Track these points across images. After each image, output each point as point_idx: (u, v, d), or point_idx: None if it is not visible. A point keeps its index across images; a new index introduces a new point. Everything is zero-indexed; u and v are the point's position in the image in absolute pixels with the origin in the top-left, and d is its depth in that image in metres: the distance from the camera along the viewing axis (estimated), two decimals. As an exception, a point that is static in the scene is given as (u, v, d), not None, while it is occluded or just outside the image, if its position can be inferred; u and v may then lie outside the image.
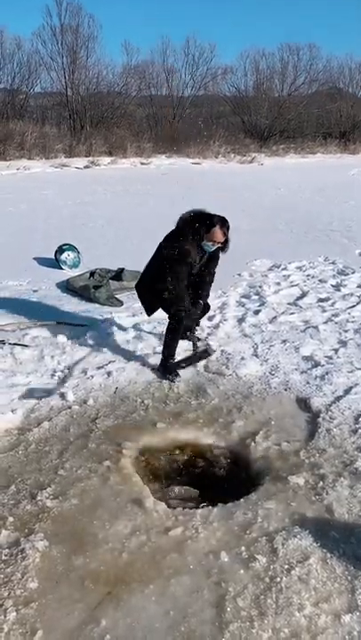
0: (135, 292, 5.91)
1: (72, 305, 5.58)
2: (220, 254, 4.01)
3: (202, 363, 4.16)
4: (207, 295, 4.20)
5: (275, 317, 5.23)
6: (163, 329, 4.82)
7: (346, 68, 30.19)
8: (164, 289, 3.88)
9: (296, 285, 6.26)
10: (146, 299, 4.17)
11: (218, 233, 3.71)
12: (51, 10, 23.71)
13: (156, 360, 4.19)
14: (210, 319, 5.07)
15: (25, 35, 31.75)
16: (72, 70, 23.48)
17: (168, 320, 4.03)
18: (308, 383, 3.91)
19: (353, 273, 6.72)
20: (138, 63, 26.54)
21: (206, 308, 4.29)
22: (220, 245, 3.84)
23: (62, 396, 3.72)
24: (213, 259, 4.03)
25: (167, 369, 3.98)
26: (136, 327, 4.86)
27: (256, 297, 5.79)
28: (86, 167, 18.20)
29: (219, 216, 3.77)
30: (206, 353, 4.18)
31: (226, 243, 3.83)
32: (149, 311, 4.20)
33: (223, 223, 3.74)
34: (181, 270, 3.81)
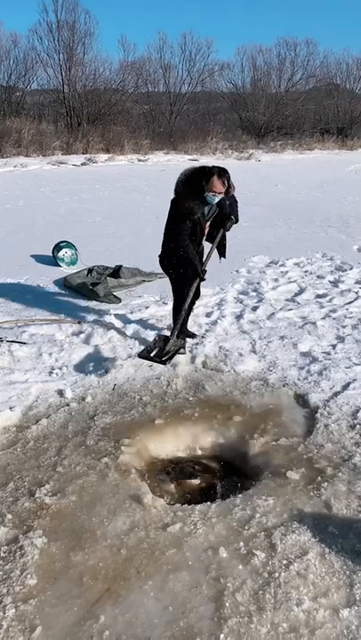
0: (133, 289, 5.98)
1: (70, 302, 5.57)
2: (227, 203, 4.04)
3: (200, 359, 4.16)
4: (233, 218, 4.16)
5: (273, 314, 5.23)
6: (161, 325, 4.84)
7: (343, 63, 30.25)
8: (173, 251, 3.96)
9: (294, 282, 6.25)
10: (167, 268, 4.20)
11: (217, 183, 3.72)
12: (47, 6, 23.79)
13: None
14: (208, 315, 5.08)
15: (21, 31, 31.75)
16: (69, 67, 23.43)
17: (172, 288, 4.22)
18: (306, 379, 3.92)
19: (351, 269, 6.72)
20: (135, 59, 26.55)
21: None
22: (222, 195, 3.83)
23: (60, 393, 3.72)
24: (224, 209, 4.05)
25: (177, 329, 4.06)
26: (134, 324, 4.85)
27: (254, 293, 5.78)
28: (83, 164, 18.16)
29: (217, 166, 3.80)
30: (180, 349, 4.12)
31: (228, 191, 3.83)
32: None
33: (221, 172, 3.74)
34: (183, 229, 3.84)
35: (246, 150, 22.90)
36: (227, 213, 4.04)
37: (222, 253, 4.27)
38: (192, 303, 4.31)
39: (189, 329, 4.57)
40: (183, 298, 4.08)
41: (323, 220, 9.81)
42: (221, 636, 1.99)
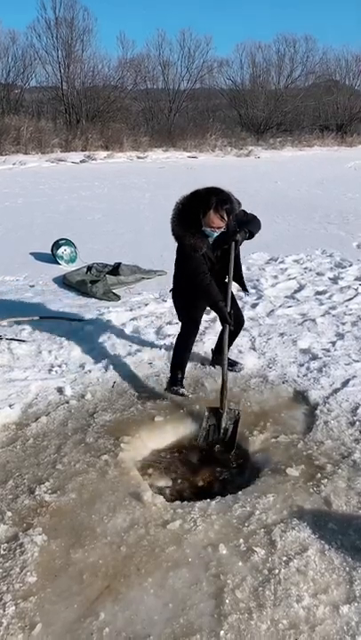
0: (132, 286, 5.97)
1: (69, 300, 5.56)
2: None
3: (199, 357, 4.16)
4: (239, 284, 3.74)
5: (272, 311, 5.22)
6: (160, 323, 4.82)
7: (343, 59, 30.15)
8: (186, 287, 3.50)
9: (293, 278, 6.25)
10: (179, 304, 3.74)
11: (214, 217, 3.15)
12: (45, 3, 23.64)
13: (153, 354, 4.20)
14: (207, 312, 5.06)
15: (20, 28, 31.62)
16: (67, 64, 23.33)
17: (180, 326, 3.75)
18: (305, 376, 3.91)
19: (350, 266, 6.71)
20: (133, 56, 26.46)
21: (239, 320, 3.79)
22: (223, 230, 3.27)
23: (60, 390, 3.72)
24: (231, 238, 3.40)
25: (174, 381, 3.68)
26: (133, 321, 4.85)
27: (253, 290, 5.78)
28: (82, 161, 18.12)
29: (215, 195, 3.15)
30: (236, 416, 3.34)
31: (228, 225, 3.27)
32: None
33: (219, 205, 3.13)
34: (198, 266, 3.30)
35: (245, 147, 22.85)
36: (236, 231, 3.39)
37: (242, 285, 3.84)
38: (235, 333, 3.79)
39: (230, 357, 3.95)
40: (187, 345, 3.73)
41: (322, 217, 9.80)
42: (221, 632, 1.99)
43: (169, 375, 3.75)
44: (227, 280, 3.50)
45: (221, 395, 3.30)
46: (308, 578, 2.21)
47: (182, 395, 3.56)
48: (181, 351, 3.74)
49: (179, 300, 3.70)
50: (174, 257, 3.56)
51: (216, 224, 3.19)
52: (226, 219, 3.18)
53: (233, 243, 3.40)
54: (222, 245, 3.41)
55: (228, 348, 3.53)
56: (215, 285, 3.34)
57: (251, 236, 3.50)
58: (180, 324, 3.85)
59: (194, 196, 3.23)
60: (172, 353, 3.82)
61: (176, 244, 3.40)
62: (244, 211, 3.47)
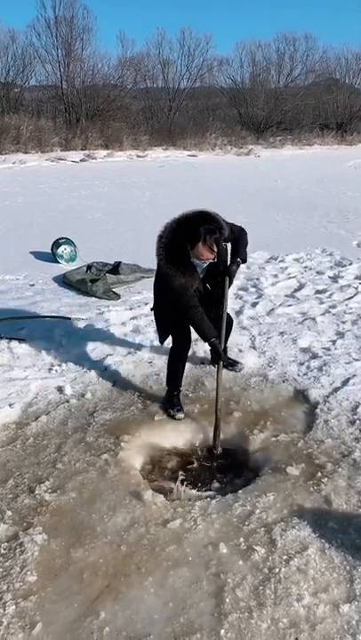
0: (132, 285, 5.96)
1: (69, 299, 5.56)
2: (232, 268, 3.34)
3: (199, 357, 4.16)
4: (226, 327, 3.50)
5: (272, 309, 5.22)
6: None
7: (343, 58, 30.13)
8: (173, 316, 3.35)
9: (293, 277, 6.24)
10: (160, 324, 3.56)
11: (203, 250, 2.96)
12: (45, 2, 23.56)
13: (153, 353, 4.19)
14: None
15: (19, 27, 31.56)
16: (67, 63, 23.29)
17: (171, 344, 3.55)
18: (305, 375, 3.91)
19: (350, 264, 6.71)
20: (133, 55, 26.42)
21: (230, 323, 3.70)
22: (212, 261, 3.11)
23: (60, 389, 3.72)
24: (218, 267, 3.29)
25: (170, 401, 3.51)
26: (133, 320, 4.85)
27: (253, 289, 5.78)
28: (82, 160, 18.10)
29: (205, 226, 2.94)
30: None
31: (218, 256, 3.09)
32: (163, 338, 3.59)
33: (207, 236, 2.93)
34: (185, 301, 3.15)
35: (245, 146, 22.83)
36: (226, 260, 3.30)
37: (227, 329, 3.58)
38: (227, 332, 3.63)
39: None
40: (180, 359, 3.52)
41: (322, 216, 9.79)
42: (222, 631, 1.99)
43: (166, 389, 3.59)
44: (220, 312, 3.35)
45: (215, 434, 3.20)
46: (308, 577, 2.21)
47: (178, 419, 3.37)
48: (175, 367, 3.54)
49: (163, 319, 3.50)
50: None
51: (205, 256, 3.01)
52: (216, 250, 3.00)
53: (227, 277, 3.30)
54: (216, 277, 3.29)
55: (225, 346, 3.40)
56: (207, 319, 3.19)
57: (244, 262, 3.42)
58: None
59: (179, 226, 3.01)
60: (166, 364, 3.65)
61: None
62: (230, 226, 3.29)
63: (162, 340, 3.59)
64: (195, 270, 3.10)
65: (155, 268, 3.30)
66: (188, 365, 3.96)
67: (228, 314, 3.49)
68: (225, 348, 3.20)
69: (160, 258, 3.06)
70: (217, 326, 3.29)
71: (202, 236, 2.91)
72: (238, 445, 3.20)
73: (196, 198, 11.16)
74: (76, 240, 7.12)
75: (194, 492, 2.82)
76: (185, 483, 2.86)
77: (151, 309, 3.64)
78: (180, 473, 2.98)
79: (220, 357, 3.23)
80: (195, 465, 3.09)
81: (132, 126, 22.53)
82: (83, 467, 2.90)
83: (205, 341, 3.28)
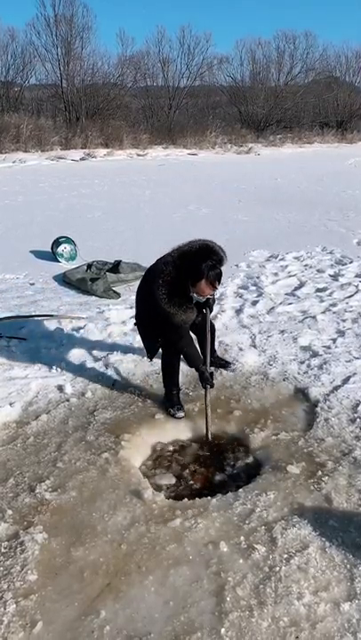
0: (132, 284, 5.96)
1: (69, 298, 5.56)
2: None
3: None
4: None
5: (273, 308, 5.21)
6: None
7: (343, 56, 30.11)
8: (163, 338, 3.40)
9: (294, 276, 6.24)
10: (147, 340, 3.58)
11: (205, 288, 3.02)
12: (44, 0, 23.51)
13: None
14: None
15: (19, 26, 31.51)
16: (67, 61, 23.26)
17: (162, 354, 3.56)
18: (306, 373, 3.91)
19: (351, 262, 6.70)
20: (133, 54, 26.40)
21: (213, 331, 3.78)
22: (210, 297, 3.26)
23: (60, 388, 3.72)
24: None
25: (170, 400, 3.51)
26: (133, 319, 4.84)
27: (254, 288, 5.77)
28: (82, 159, 18.10)
29: (207, 263, 2.96)
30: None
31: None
32: (152, 354, 3.59)
33: (212, 273, 2.97)
34: (181, 332, 3.24)
35: (245, 144, 22.82)
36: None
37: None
38: (211, 340, 3.69)
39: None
40: (174, 363, 3.51)
41: (322, 214, 9.78)
42: (222, 630, 1.99)
43: (164, 391, 3.58)
44: (205, 339, 3.46)
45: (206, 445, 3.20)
46: (308, 575, 2.21)
47: (179, 418, 3.39)
48: (171, 371, 3.54)
49: (151, 335, 3.50)
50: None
51: (207, 293, 3.10)
52: (217, 286, 3.08)
53: (207, 308, 3.43)
54: (199, 307, 3.36)
55: (209, 354, 3.49)
56: (194, 345, 3.36)
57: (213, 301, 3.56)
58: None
59: (182, 261, 3.02)
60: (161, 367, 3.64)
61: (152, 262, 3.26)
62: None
63: (150, 356, 3.60)
64: (193, 304, 3.19)
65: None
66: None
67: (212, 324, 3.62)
68: (211, 373, 3.37)
69: (163, 299, 3.05)
70: (202, 352, 3.44)
71: (205, 274, 2.96)
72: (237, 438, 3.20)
73: (196, 197, 11.17)
74: (76, 239, 7.12)
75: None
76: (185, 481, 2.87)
77: (135, 324, 3.67)
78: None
79: (207, 382, 3.30)
80: (196, 463, 3.09)
81: (132, 125, 22.53)
82: (83, 465, 2.90)
83: (192, 367, 3.38)
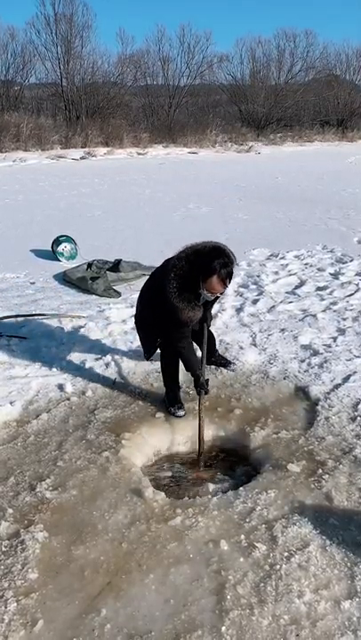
0: (133, 282, 5.96)
1: (69, 297, 5.56)
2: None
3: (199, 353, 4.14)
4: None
5: (273, 306, 5.21)
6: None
7: (343, 54, 30.03)
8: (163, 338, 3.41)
9: (294, 274, 6.24)
10: (147, 340, 3.57)
11: (216, 285, 3.01)
12: (45, -2, 23.45)
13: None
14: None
15: (19, 24, 31.45)
16: (67, 60, 23.25)
17: (161, 354, 3.58)
18: (306, 372, 3.91)
19: (351, 261, 6.70)
20: (133, 52, 26.36)
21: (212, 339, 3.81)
22: (219, 295, 3.27)
23: (61, 387, 3.72)
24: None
25: (170, 399, 3.52)
26: (134, 318, 4.84)
27: (254, 286, 5.77)
28: (82, 158, 18.09)
29: (220, 260, 2.98)
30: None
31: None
32: (150, 354, 3.59)
33: (223, 271, 2.98)
34: (183, 332, 3.26)
35: (246, 143, 22.81)
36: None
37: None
38: (210, 351, 3.73)
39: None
40: (172, 363, 3.51)
41: (323, 213, 9.78)
42: (223, 628, 1.99)
43: (165, 390, 3.58)
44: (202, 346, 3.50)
45: (198, 458, 3.15)
46: (309, 573, 2.21)
47: (180, 417, 3.40)
48: (171, 371, 3.55)
49: (152, 334, 3.49)
50: (173, 253, 3.29)
51: (217, 290, 3.09)
52: (228, 285, 3.08)
53: (207, 316, 3.48)
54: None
55: (205, 363, 3.51)
56: (193, 350, 3.39)
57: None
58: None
59: (196, 257, 3.04)
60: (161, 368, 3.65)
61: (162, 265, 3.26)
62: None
63: (148, 356, 3.60)
64: (200, 304, 3.17)
65: (155, 265, 3.27)
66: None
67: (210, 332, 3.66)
68: (207, 379, 3.39)
69: (173, 294, 3.06)
70: (201, 362, 3.46)
71: (217, 270, 2.96)
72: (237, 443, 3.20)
73: (196, 196, 11.16)
74: (76, 238, 7.11)
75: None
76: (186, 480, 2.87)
77: (135, 323, 3.65)
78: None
79: (202, 387, 3.30)
80: (196, 462, 3.09)
81: (132, 124, 22.52)
82: (84, 464, 2.91)
83: (189, 372, 3.39)
